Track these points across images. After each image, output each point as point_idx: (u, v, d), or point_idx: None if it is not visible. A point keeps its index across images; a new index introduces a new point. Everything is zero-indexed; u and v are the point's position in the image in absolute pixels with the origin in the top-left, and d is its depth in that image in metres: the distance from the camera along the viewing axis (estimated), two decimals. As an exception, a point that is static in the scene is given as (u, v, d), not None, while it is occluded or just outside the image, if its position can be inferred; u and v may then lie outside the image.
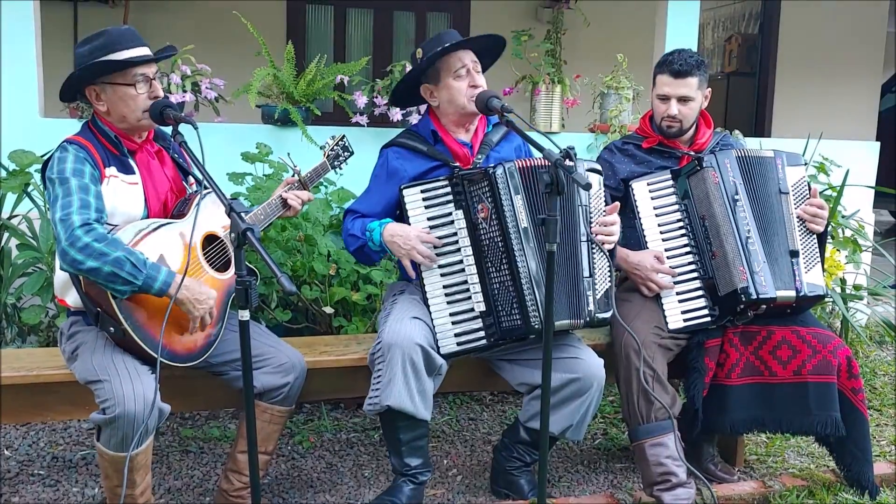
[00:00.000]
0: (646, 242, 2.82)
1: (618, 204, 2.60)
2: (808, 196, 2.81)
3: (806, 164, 2.90)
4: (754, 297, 2.64)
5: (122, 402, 2.11)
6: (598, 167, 2.61)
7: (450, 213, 2.53)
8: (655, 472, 2.66)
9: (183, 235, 2.33)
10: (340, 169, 2.87)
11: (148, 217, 2.36)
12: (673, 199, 2.84)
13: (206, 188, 2.21)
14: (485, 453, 3.15)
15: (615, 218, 2.57)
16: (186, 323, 2.30)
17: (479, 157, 2.67)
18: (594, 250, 2.51)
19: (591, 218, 2.53)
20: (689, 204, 2.80)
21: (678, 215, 2.82)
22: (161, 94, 2.32)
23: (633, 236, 2.90)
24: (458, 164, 2.64)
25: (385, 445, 2.69)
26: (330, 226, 3.40)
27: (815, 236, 2.80)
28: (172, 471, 2.94)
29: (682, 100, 2.84)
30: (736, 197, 2.73)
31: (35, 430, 3.20)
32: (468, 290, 2.51)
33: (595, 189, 2.57)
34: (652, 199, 2.84)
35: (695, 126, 2.95)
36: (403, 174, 2.64)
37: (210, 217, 2.46)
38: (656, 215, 2.83)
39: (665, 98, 2.86)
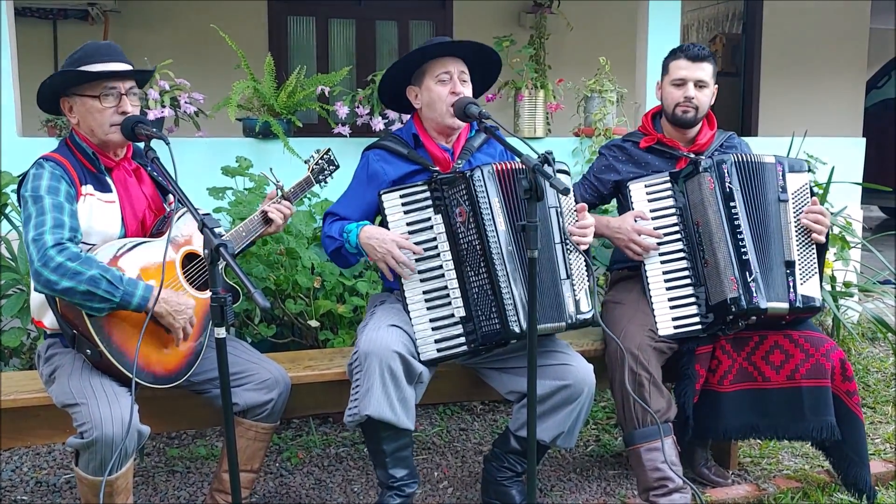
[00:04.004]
0: None
1: (584, 205, 2.56)
2: (809, 202, 2.73)
3: (810, 170, 2.82)
4: (744, 307, 2.59)
5: (99, 425, 2.07)
6: (567, 168, 2.58)
7: (429, 218, 2.50)
8: (651, 477, 2.62)
9: (160, 253, 2.29)
10: (325, 183, 2.83)
11: (125, 236, 2.32)
12: (670, 202, 2.78)
13: (180, 205, 2.18)
14: (476, 464, 3.12)
15: (590, 220, 2.55)
16: (164, 343, 2.26)
17: (460, 161, 2.65)
18: (569, 251, 2.48)
19: (562, 219, 2.50)
20: (685, 208, 2.74)
21: (674, 219, 2.77)
22: (130, 109, 2.28)
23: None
24: (437, 168, 2.61)
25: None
26: (313, 238, 3.36)
27: (814, 246, 2.71)
28: (158, 492, 2.89)
29: (699, 85, 2.82)
30: (731, 204, 2.66)
31: (18, 454, 3.15)
32: (448, 295, 2.48)
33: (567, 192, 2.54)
34: (649, 201, 2.80)
35: (698, 124, 2.91)
36: (384, 177, 2.62)
37: (191, 235, 2.42)
38: (652, 217, 2.78)
39: (681, 83, 2.82)
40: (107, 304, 2.11)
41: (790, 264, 2.65)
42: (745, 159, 2.72)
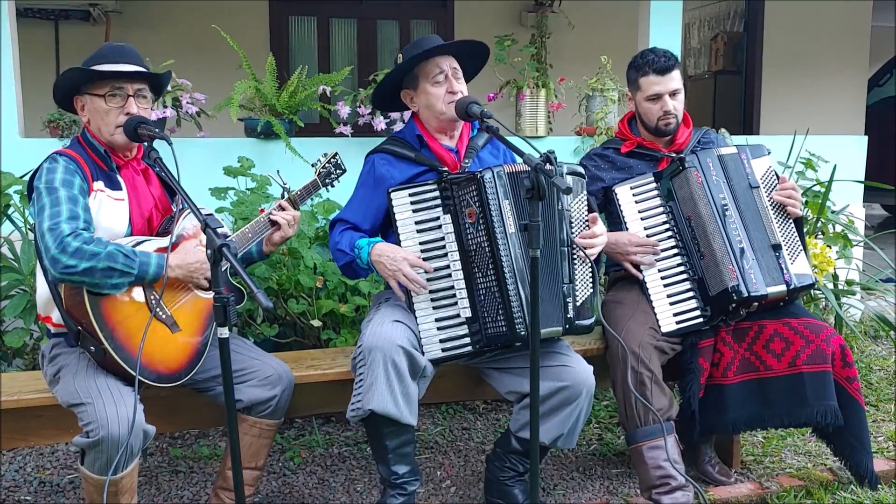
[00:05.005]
0: None
1: (596, 215, 2.58)
2: (776, 184, 2.81)
3: (769, 152, 2.89)
4: (745, 295, 2.63)
5: (105, 424, 2.08)
6: (581, 170, 2.59)
7: (437, 218, 2.49)
8: (654, 475, 2.63)
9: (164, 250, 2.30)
10: (332, 186, 2.84)
11: (131, 234, 2.34)
12: (657, 201, 2.82)
13: (183, 205, 2.19)
14: (479, 463, 3.12)
15: (601, 229, 2.55)
16: (167, 341, 2.27)
17: (467, 161, 2.65)
18: (575, 257, 2.48)
19: (572, 222, 2.50)
20: (674, 205, 2.79)
21: (664, 217, 2.81)
22: (135, 111, 2.29)
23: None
24: (445, 168, 2.61)
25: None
26: (316, 238, 3.37)
27: (793, 225, 2.79)
28: (162, 492, 2.90)
29: (673, 94, 2.84)
30: (721, 196, 2.72)
31: (21, 454, 3.15)
32: (454, 295, 2.47)
33: (578, 193, 2.55)
34: (636, 202, 2.83)
35: None
36: (391, 180, 2.60)
37: (198, 235, 2.42)
38: (642, 219, 2.81)
39: (656, 97, 2.83)
40: (126, 279, 2.16)
41: (777, 247, 2.72)
42: (719, 153, 2.79)
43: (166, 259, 2.21)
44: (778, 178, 2.83)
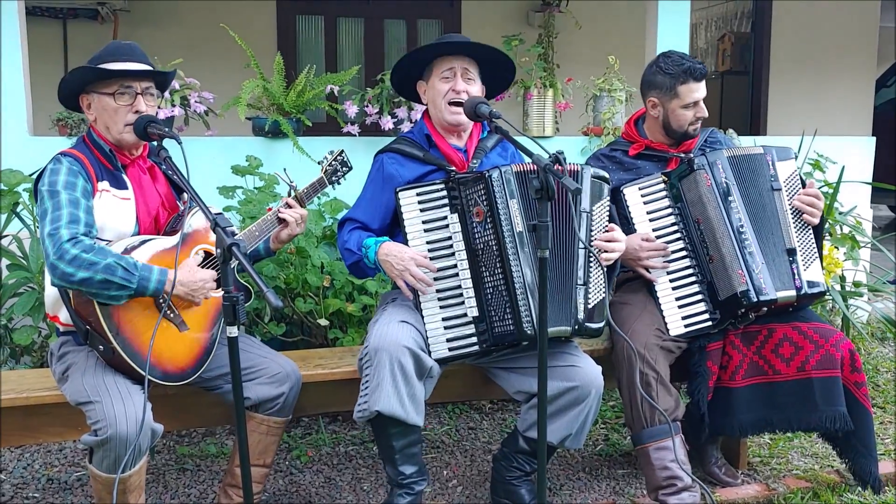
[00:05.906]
0: None
1: (614, 225, 2.57)
2: (800, 189, 2.77)
3: (796, 156, 2.86)
4: (755, 300, 2.60)
5: (113, 423, 2.09)
6: (605, 175, 2.58)
7: (445, 217, 2.50)
8: (660, 476, 2.62)
9: (173, 249, 2.30)
10: (338, 184, 2.84)
11: (139, 233, 2.34)
12: (666, 202, 2.80)
13: (192, 203, 2.20)
14: (485, 463, 3.12)
15: (620, 236, 2.55)
16: (176, 341, 2.27)
17: (475, 161, 2.65)
18: (591, 259, 2.48)
19: (592, 226, 2.49)
20: (683, 207, 2.76)
21: (672, 219, 2.78)
22: (144, 109, 2.29)
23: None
24: (453, 168, 2.61)
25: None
26: (323, 237, 3.37)
27: (811, 231, 2.75)
28: (169, 489, 2.91)
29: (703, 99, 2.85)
30: (730, 198, 2.69)
31: (29, 451, 3.17)
32: (461, 294, 2.47)
33: (601, 197, 2.54)
34: (644, 203, 2.81)
35: None
36: (399, 180, 2.61)
37: (206, 233, 2.43)
38: (650, 220, 2.79)
39: (693, 104, 2.81)
40: (124, 292, 2.13)
41: (792, 252, 2.68)
42: (736, 153, 2.75)
43: (174, 275, 2.18)
44: (803, 183, 2.78)
